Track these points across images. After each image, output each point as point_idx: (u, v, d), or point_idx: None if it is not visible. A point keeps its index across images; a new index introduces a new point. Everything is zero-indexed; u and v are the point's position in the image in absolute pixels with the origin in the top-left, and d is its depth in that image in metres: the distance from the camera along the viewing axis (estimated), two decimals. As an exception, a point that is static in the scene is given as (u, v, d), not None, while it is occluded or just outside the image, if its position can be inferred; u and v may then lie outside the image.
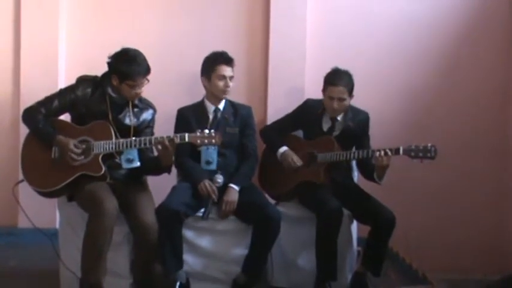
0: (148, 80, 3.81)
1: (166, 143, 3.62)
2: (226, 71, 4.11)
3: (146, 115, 3.93)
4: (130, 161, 3.78)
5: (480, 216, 4.98)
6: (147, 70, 3.79)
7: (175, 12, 4.98)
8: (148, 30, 4.95)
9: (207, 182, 3.95)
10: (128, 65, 3.73)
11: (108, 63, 3.81)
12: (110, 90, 3.80)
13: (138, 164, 3.79)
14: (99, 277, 3.56)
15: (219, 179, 3.99)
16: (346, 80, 4.04)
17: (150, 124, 3.97)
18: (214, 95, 4.16)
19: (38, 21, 4.84)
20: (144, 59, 3.79)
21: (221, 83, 4.11)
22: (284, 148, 4.22)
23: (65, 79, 4.80)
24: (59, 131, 3.74)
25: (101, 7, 4.97)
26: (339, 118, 4.15)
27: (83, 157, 3.69)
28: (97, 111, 3.77)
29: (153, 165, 3.85)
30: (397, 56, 4.98)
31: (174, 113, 4.22)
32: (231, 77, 4.14)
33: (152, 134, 3.92)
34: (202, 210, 3.93)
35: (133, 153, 3.78)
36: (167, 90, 4.74)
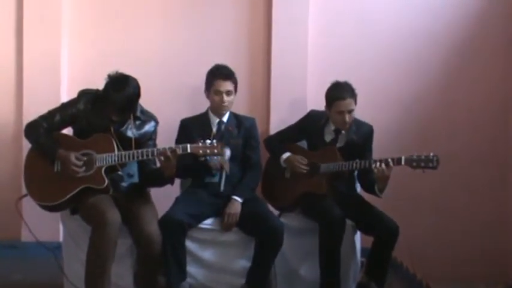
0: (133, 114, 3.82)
1: (169, 154, 3.63)
2: (222, 86, 4.07)
3: (148, 127, 3.94)
4: (130, 176, 3.83)
5: (482, 225, 4.96)
6: (124, 108, 3.73)
7: (177, 23, 5.00)
8: (149, 41, 4.98)
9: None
10: (111, 94, 3.68)
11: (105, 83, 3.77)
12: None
13: (137, 180, 3.85)
14: (103, 290, 3.56)
15: (228, 151, 4.02)
16: (351, 90, 4.05)
17: (152, 136, 3.97)
18: (214, 110, 4.17)
19: (40, 34, 4.86)
20: (129, 99, 3.70)
21: (216, 98, 4.09)
22: (287, 154, 4.24)
23: (67, 91, 4.83)
24: (62, 145, 3.74)
25: (102, 19, 4.99)
26: (342, 131, 4.15)
27: (84, 169, 3.69)
28: (99, 124, 3.77)
29: (155, 177, 3.85)
30: (399, 65, 4.99)
31: (175, 124, 4.21)
32: (228, 91, 4.09)
33: (155, 146, 3.92)
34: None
35: (134, 169, 3.81)
36: (168, 102, 4.76)
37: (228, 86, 4.09)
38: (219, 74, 4.11)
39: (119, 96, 3.66)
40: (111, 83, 3.72)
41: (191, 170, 4.04)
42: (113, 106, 3.70)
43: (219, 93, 4.08)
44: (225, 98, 4.08)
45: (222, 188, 4.06)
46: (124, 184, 3.86)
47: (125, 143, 3.80)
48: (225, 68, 4.14)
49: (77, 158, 3.68)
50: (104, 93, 3.72)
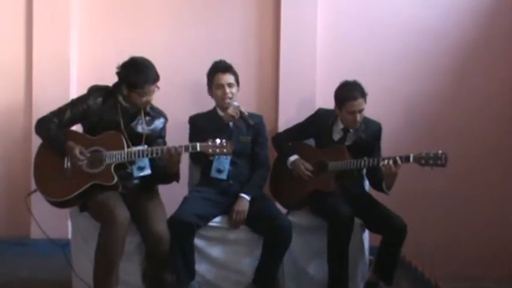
0: (158, 87, 3.84)
1: (173, 152, 3.66)
2: (222, 79, 4.11)
3: (158, 123, 3.97)
4: (141, 168, 3.84)
5: (491, 224, 4.95)
6: (155, 78, 3.81)
7: (185, 21, 5.00)
8: (158, 39, 4.98)
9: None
10: (135, 74, 3.76)
11: (117, 73, 3.83)
12: (121, 99, 3.83)
13: (149, 171, 3.84)
14: (111, 287, 3.57)
15: (235, 102, 4.06)
16: (361, 90, 4.04)
17: (161, 134, 4.00)
18: (220, 106, 4.17)
19: (50, 31, 4.87)
20: (152, 67, 3.82)
21: (219, 92, 4.11)
22: (295, 157, 4.23)
23: (76, 88, 4.84)
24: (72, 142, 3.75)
25: (111, 17, 5.00)
26: (351, 129, 4.14)
27: (86, 161, 3.69)
28: (109, 120, 3.79)
29: (162, 174, 3.88)
30: (408, 62, 4.97)
31: (183, 122, 4.22)
32: (230, 84, 4.12)
33: (164, 143, 3.95)
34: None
35: (145, 161, 3.82)
36: (176, 99, 4.75)
37: (228, 78, 4.12)
38: (217, 68, 4.15)
39: (147, 73, 3.75)
40: (128, 72, 3.77)
41: None
42: (148, 82, 3.76)
43: (221, 86, 4.10)
44: (227, 89, 4.10)
45: (230, 181, 4.07)
46: (134, 181, 3.87)
47: (135, 138, 3.83)
48: (222, 62, 4.17)
49: (81, 153, 3.69)
50: (130, 83, 3.77)
